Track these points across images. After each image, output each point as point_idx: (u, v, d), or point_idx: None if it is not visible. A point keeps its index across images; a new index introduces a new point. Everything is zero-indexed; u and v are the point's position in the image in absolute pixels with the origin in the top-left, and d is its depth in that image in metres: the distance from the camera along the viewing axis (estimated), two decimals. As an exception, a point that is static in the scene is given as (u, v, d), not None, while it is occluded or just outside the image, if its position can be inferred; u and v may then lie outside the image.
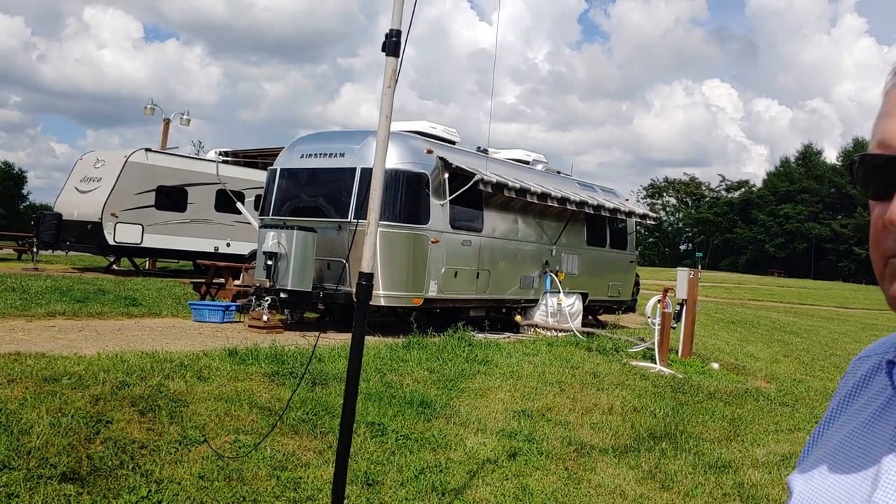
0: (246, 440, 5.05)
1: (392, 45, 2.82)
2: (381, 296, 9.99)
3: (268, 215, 11.09)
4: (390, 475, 4.96)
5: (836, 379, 11.59)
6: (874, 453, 0.81)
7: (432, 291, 10.60)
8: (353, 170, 10.24)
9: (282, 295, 9.66)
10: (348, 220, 10.14)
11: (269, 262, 9.56)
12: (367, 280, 2.85)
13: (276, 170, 11.31)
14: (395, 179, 10.09)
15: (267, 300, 9.59)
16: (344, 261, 10.07)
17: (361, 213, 10.04)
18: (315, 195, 10.92)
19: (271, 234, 9.66)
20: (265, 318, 9.52)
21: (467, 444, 5.86)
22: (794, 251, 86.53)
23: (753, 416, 8.08)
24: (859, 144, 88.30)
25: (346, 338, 8.89)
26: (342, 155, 10.52)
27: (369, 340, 9.04)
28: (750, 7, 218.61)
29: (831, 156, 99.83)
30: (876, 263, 0.78)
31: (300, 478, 4.68)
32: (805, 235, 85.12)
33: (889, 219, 0.72)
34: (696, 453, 6.34)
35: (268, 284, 9.60)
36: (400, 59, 2.78)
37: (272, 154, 14.90)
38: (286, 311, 10.57)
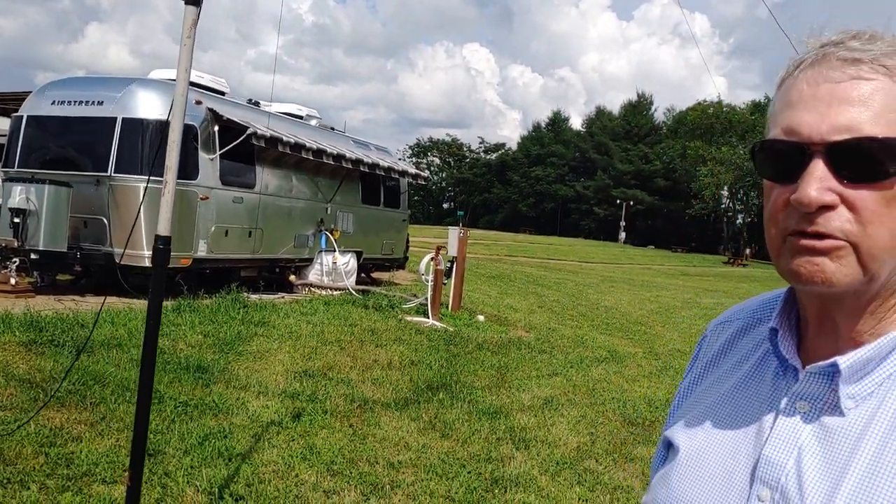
0: (5, 416, 4.59)
1: (191, -7, 2.64)
2: (146, 256, 9.39)
3: (13, 167, 9.92)
4: (172, 444, 4.77)
5: (584, 326, 12.78)
6: (754, 410, 0.92)
7: (202, 251, 10.17)
8: (114, 120, 9.45)
9: (32, 256, 8.76)
10: (108, 174, 9.37)
11: (17, 220, 8.61)
12: (164, 244, 2.68)
13: (22, 117, 10.12)
14: (160, 131, 9.46)
15: (15, 262, 8.65)
16: (104, 218, 9.33)
17: (122, 166, 9.35)
18: (69, 146, 9.92)
19: (18, 188, 8.69)
20: (13, 281, 8.59)
21: (250, 407, 5.77)
22: (543, 210, 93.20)
23: (517, 363, 8.69)
24: (601, 112, 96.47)
25: (108, 301, 8.31)
26: (101, 103, 9.66)
27: (134, 304, 8.52)
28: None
29: (577, 122, 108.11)
30: (773, 240, 0.85)
31: (72, 453, 4.35)
32: (553, 196, 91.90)
33: (797, 199, 0.79)
34: (471, 401, 6.74)
35: (15, 244, 8.65)
36: (199, 8, 2.62)
37: (16, 99, 13.31)
38: (35, 273, 9.61)
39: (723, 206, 78.61)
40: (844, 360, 0.83)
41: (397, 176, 15.09)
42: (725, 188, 73.84)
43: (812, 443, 0.84)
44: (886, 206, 0.78)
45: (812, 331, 0.90)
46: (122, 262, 8.55)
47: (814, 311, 0.89)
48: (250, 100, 12.30)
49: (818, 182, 0.78)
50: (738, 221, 79.78)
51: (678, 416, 1.04)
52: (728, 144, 69.14)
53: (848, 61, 0.80)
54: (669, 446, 1.02)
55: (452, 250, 11.33)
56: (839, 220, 0.78)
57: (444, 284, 11.07)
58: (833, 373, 0.84)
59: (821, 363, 0.85)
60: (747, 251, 68.34)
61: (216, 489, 4.24)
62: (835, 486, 0.80)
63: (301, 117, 13.49)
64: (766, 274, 45.76)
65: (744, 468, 0.88)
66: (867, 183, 0.78)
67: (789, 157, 0.82)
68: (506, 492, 4.77)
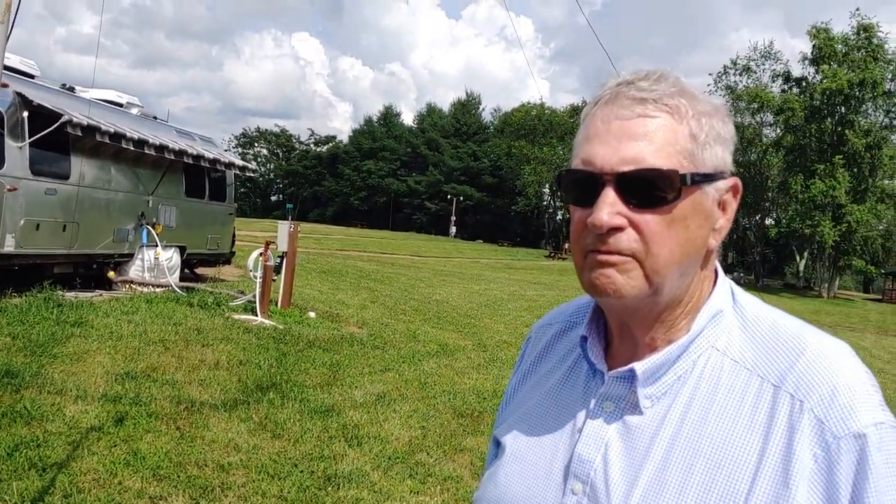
0: None
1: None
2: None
3: None
4: (-23, 457, 4.43)
5: (417, 321, 13.03)
6: (569, 410, 1.03)
7: (9, 247, 9.42)
8: None
9: None
10: None
11: None
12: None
13: None
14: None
15: None
16: None
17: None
18: None
19: None
20: None
21: (67, 413, 5.46)
22: (375, 204, 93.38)
23: (350, 360, 8.72)
24: (432, 109, 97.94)
25: None
26: None
27: (-70, 304, 7.78)
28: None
29: (408, 118, 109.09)
30: (576, 256, 0.95)
31: None
32: (385, 190, 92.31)
33: (591, 222, 0.90)
34: (302, 400, 6.71)
35: None
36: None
37: None
38: None
39: (544, 202, 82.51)
40: (640, 366, 0.95)
41: (223, 168, 14.61)
42: (547, 186, 77.56)
43: (616, 440, 0.95)
44: (667, 228, 0.90)
45: (615, 338, 1.02)
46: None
47: (614, 322, 1.01)
48: (64, 84, 11.51)
49: (609, 207, 0.89)
50: (557, 217, 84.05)
51: (505, 417, 1.14)
52: (549, 145, 72.81)
53: (636, 100, 0.91)
54: (499, 445, 1.12)
55: (282, 245, 11.16)
56: (627, 240, 0.90)
57: (274, 281, 10.90)
58: (632, 376, 0.96)
59: (621, 368, 0.97)
60: (566, 246, 72.17)
61: (28, 503, 4.00)
62: (634, 477, 0.92)
63: (121, 105, 12.78)
64: (584, 268, 48.36)
65: (560, 464, 0.99)
66: (651, 208, 0.89)
67: (586, 185, 0.92)
68: (338, 489, 4.83)
